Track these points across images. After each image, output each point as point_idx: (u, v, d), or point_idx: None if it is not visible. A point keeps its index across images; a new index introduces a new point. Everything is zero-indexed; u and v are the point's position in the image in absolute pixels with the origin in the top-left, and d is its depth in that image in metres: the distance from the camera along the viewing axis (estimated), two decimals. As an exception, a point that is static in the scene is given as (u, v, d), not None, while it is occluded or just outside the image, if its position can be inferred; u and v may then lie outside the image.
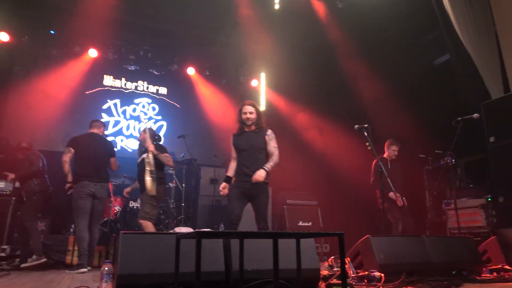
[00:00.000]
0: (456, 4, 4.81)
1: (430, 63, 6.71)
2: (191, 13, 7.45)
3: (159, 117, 8.84)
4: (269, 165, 3.87)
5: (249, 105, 4.11)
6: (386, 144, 5.33)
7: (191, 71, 8.76)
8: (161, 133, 8.77)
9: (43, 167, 5.24)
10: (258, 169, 3.80)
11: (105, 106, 8.36)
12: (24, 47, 7.42)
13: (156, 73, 8.62)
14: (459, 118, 4.36)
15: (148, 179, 4.45)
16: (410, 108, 6.40)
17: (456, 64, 5.10)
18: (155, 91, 8.89)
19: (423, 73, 6.69)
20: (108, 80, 8.44)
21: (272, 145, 4.01)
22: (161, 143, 5.14)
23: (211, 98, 8.89)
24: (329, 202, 6.92)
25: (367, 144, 4.22)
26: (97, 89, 8.30)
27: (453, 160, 4.96)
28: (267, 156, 4.00)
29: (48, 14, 7.23)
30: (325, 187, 7.16)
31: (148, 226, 4.47)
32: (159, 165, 4.72)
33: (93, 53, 7.90)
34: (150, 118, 8.75)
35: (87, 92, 8.13)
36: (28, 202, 5.03)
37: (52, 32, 7.65)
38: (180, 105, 8.97)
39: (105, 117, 8.28)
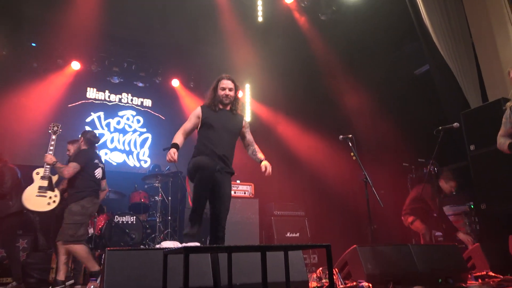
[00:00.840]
0: (433, 17, 4.96)
1: (411, 73, 6.87)
2: (174, 25, 7.46)
3: (144, 130, 8.77)
4: (258, 153, 3.55)
5: (229, 79, 3.57)
6: (443, 178, 5.06)
7: (175, 83, 8.74)
8: (146, 146, 8.70)
9: (18, 183, 4.86)
10: (228, 155, 3.41)
11: (88, 119, 8.24)
12: (4, 60, 7.28)
13: (140, 85, 8.57)
14: (440, 128, 4.47)
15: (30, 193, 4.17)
16: (393, 117, 6.53)
17: (436, 75, 5.23)
18: (139, 103, 8.83)
19: (404, 83, 6.85)
20: (91, 93, 8.34)
21: (250, 134, 3.70)
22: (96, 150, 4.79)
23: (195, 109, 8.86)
24: (316, 212, 6.95)
25: (352, 154, 4.27)
26: (80, 102, 8.18)
27: (435, 169, 5.05)
28: (244, 145, 3.66)
29: (29, 26, 7.13)
30: (312, 197, 7.20)
31: (78, 249, 4.05)
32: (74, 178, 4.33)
33: (76, 65, 7.81)
34: (134, 131, 8.67)
35: (70, 105, 8.01)
36: (3, 224, 4.60)
37: (33, 44, 7.55)
38: (165, 117, 8.92)
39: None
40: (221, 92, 3.52)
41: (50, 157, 4.36)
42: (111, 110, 8.53)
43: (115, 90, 8.55)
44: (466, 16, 5.23)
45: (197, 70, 8.79)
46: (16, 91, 7.30)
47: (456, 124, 4.35)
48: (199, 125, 3.52)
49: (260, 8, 6.34)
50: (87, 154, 4.51)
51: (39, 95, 7.49)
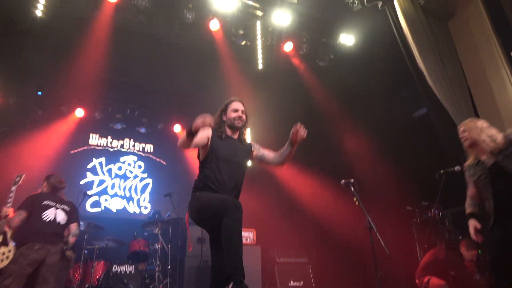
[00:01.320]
0: (428, 62, 5.11)
1: (409, 116, 6.96)
2: (177, 72, 7.67)
3: (145, 175, 8.75)
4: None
5: (240, 102, 3.21)
6: (464, 246, 4.93)
7: (177, 128, 8.85)
8: (147, 191, 8.64)
9: None
10: (238, 192, 3.01)
11: (90, 165, 8.26)
12: (11, 108, 7.42)
13: (142, 130, 8.67)
14: (442, 171, 4.44)
15: None
16: (393, 160, 6.52)
17: (434, 118, 5.30)
18: (141, 149, 8.88)
19: (403, 126, 6.91)
20: (94, 139, 8.43)
21: (265, 149, 3.27)
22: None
23: (195, 154, 8.91)
24: (320, 259, 6.75)
25: (355, 199, 4.21)
26: (82, 148, 8.24)
27: (440, 213, 4.96)
28: (269, 162, 3.19)
29: (36, 75, 7.34)
30: (315, 243, 7.03)
31: None
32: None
33: (79, 112, 7.96)
34: (135, 176, 8.65)
35: (72, 152, 8.06)
36: None
37: (39, 93, 7.74)
38: (167, 162, 8.94)
39: (89, 176, 8.16)
40: (233, 114, 3.12)
41: (4, 210, 4.04)
42: (113, 156, 8.57)
43: (118, 136, 8.64)
44: (460, 61, 5.39)
45: (199, 115, 8.91)
46: (20, 137, 7.38)
47: (457, 168, 4.33)
48: (206, 153, 3.02)
49: (260, 56, 6.55)
50: (32, 198, 4.27)
51: (42, 142, 7.57)
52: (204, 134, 2.96)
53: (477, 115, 5.17)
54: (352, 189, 4.28)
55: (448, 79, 5.11)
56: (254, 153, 3.22)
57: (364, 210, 4.33)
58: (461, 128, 3.36)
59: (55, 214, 4.27)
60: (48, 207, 4.26)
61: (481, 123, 3.30)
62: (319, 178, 7.44)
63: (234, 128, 3.14)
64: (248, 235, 6.13)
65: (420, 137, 6.48)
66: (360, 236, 5.42)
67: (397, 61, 5.73)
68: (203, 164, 3.04)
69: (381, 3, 5.20)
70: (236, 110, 3.14)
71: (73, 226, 4.42)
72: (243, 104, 3.23)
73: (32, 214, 4.13)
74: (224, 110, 3.18)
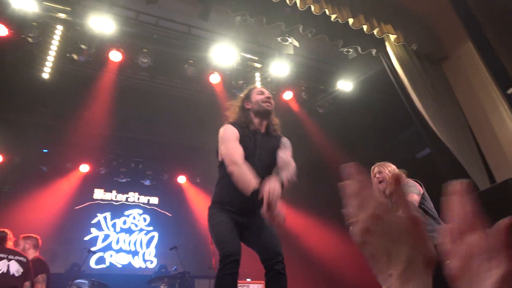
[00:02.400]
0: (426, 104, 5.18)
1: (412, 156, 6.95)
2: (180, 125, 7.81)
3: (151, 228, 8.63)
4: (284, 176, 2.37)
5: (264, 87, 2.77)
6: None
7: (182, 179, 8.85)
8: (152, 245, 8.48)
9: None
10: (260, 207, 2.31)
11: (94, 221, 8.19)
12: (16, 166, 7.51)
13: (147, 183, 8.68)
14: (451, 213, 4.35)
15: None
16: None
17: (438, 158, 5.28)
18: (146, 202, 8.84)
19: (408, 167, 6.86)
20: (98, 194, 8.43)
21: (288, 154, 2.63)
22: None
23: (203, 205, 8.83)
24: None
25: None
26: (87, 204, 8.22)
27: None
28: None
29: (42, 134, 7.49)
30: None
31: None
32: None
33: (84, 168, 8.02)
34: (141, 230, 8.52)
35: (76, 207, 8.03)
36: None
37: (44, 150, 7.86)
38: (172, 214, 8.86)
39: (94, 232, 8.05)
40: (259, 97, 2.62)
41: None
42: (118, 210, 8.51)
43: (122, 189, 8.64)
44: (458, 101, 5.47)
45: (203, 165, 8.96)
46: (25, 195, 7.40)
47: (467, 208, 4.24)
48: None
49: (261, 105, 6.69)
50: None
51: (47, 199, 7.58)
52: (233, 136, 2.48)
53: (480, 153, 5.16)
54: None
55: (448, 120, 5.16)
56: (281, 150, 2.64)
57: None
58: (375, 168, 3.34)
59: (8, 266, 4.00)
60: (0, 259, 3.97)
61: (394, 166, 3.24)
62: (328, 226, 7.29)
63: (262, 115, 2.61)
64: (257, 288, 5.89)
65: (426, 177, 6.40)
66: (376, 284, 5.21)
67: (396, 104, 5.81)
68: (221, 164, 2.56)
69: (375, 50, 5.38)
70: (261, 93, 2.66)
71: (27, 284, 4.11)
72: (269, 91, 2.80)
73: None
74: (247, 98, 2.68)
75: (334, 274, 6.93)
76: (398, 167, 6.89)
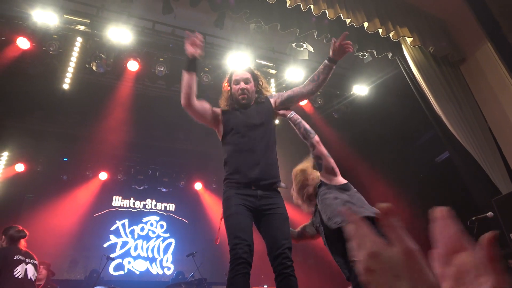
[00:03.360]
0: (445, 107, 5.10)
1: (432, 161, 6.83)
2: (196, 133, 7.87)
3: (167, 235, 8.69)
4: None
5: (244, 70, 2.79)
6: None
7: (198, 186, 8.90)
8: (170, 251, 8.53)
9: None
10: (267, 165, 2.55)
11: (113, 227, 8.30)
12: (38, 175, 7.69)
13: (164, 190, 8.76)
14: (474, 218, 4.25)
15: None
16: (420, 208, 6.30)
17: (458, 162, 5.18)
18: (163, 208, 8.91)
19: (427, 172, 6.76)
20: (117, 201, 8.55)
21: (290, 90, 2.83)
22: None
23: (219, 212, 8.84)
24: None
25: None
26: (105, 211, 8.34)
27: (477, 261, 4.67)
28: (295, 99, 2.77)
29: (63, 143, 7.66)
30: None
31: None
32: None
33: (103, 176, 8.16)
34: (158, 236, 8.60)
35: (95, 215, 8.16)
36: None
37: (65, 159, 8.03)
38: (188, 220, 8.91)
39: (113, 239, 8.16)
40: (234, 88, 2.70)
41: None
42: (136, 216, 8.61)
43: (140, 197, 8.74)
44: (477, 103, 5.37)
45: (219, 172, 8.97)
46: (46, 202, 7.57)
47: (490, 214, 4.14)
48: (221, 128, 2.71)
49: (276, 111, 6.68)
50: (2, 251, 3.87)
51: (67, 207, 7.73)
52: (206, 105, 2.69)
53: (502, 156, 5.04)
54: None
55: (467, 122, 5.06)
56: (278, 101, 2.80)
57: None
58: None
59: (26, 270, 3.93)
60: (19, 262, 3.89)
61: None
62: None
63: (241, 105, 2.72)
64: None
65: (446, 181, 6.30)
66: None
67: (413, 108, 5.74)
68: (223, 141, 2.72)
69: (391, 54, 5.34)
70: (237, 82, 2.70)
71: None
72: (248, 70, 2.79)
73: (3, 271, 3.72)
74: (229, 85, 2.80)
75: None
76: (417, 171, 6.81)
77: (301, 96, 2.88)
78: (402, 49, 5.35)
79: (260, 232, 2.55)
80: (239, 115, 2.68)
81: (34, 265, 4.10)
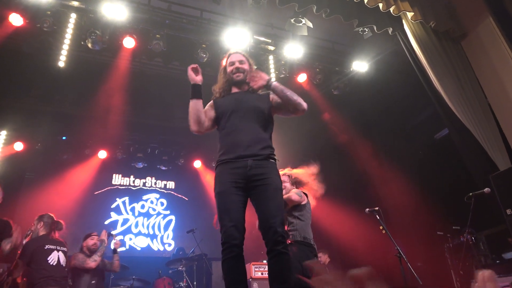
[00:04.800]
0: (445, 83, 5.05)
1: (431, 138, 6.83)
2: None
3: (168, 212, 8.79)
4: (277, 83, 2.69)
5: (238, 53, 2.91)
6: None
7: (197, 164, 8.93)
8: (170, 228, 8.64)
9: None
10: (257, 141, 2.57)
11: (113, 205, 8.38)
12: (37, 154, 7.69)
13: (163, 168, 8.79)
14: (471, 194, 4.29)
15: None
16: (420, 184, 6.35)
17: (457, 139, 5.18)
18: (163, 186, 8.97)
19: (426, 149, 6.77)
20: (117, 179, 8.59)
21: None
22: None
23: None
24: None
25: (381, 227, 4.10)
26: (106, 189, 8.40)
27: (473, 237, 4.75)
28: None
29: (61, 122, 7.62)
30: (341, 273, 6.79)
31: None
32: None
33: (102, 154, 8.16)
34: (158, 214, 8.69)
35: (96, 193, 8.22)
36: None
37: (64, 138, 8.01)
38: (188, 198, 8.99)
39: (114, 216, 8.26)
40: (229, 69, 2.83)
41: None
42: (136, 194, 8.68)
43: (140, 175, 8.78)
44: (478, 79, 5.31)
45: (214, 149, 9.01)
46: (46, 181, 7.59)
47: (487, 190, 4.18)
48: (215, 117, 2.80)
49: (275, 88, 6.61)
50: (30, 245, 4.28)
51: (67, 185, 7.76)
52: (208, 107, 2.85)
53: (501, 133, 5.04)
54: (378, 217, 4.18)
55: (467, 99, 5.03)
56: (274, 99, 2.81)
57: (391, 238, 4.19)
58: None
59: (58, 256, 4.35)
60: (51, 251, 4.33)
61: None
62: (342, 208, 7.29)
63: (237, 84, 2.82)
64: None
65: (445, 158, 6.32)
66: (390, 266, 5.22)
67: (414, 84, 5.69)
68: (218, 128, 2.83)
69: (391, 29, 5.24)
70: (232, 63, 2.83)
71: None
72: (243, 54, 2.90)
73: (37, 261, 4.17)
74: (224, 68, 2.92)
75: (349, 253, 6.96)
76: (416, 148, 6.82)
77: (286, 111, 2.82)
78: (402, 24, 5.25)
79: (252, 204, 2.55)
80: (230, 99, 2.79)
81: (64, 252, 4.48)
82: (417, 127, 6.94)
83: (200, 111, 2.68)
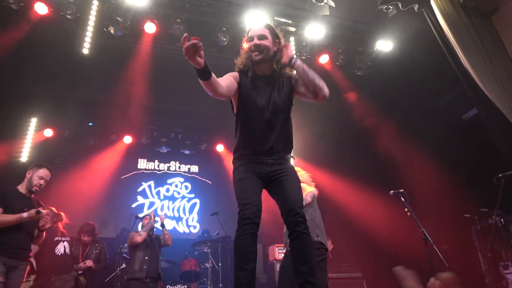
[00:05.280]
0: (474, 61, 4.85)
1: (458, 118, 6.62)
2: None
3: (192, 195, 8.95)
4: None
5: (258, 27, 2.56)
6: None
7: (220, 148, 9.01)
8: (195, 211, 8.82)
9: None
10: (281, 146, 2.50)
11: (139, 189, 8.60)
12: (65, 140, 7.94)
13: (187, 152, 8.91)
14: (500, 175, 4.16)
15: None
16: (446, 166, 6.20)
17: (486, 120, 5.00)
18: (187, 170, 9.12)
19: (453, 130, 6.58)
20: (142, 164, 8.79)
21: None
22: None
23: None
24: (373, 273, 6.49)
25: (406, 209, 4.05)
26: (132, 173, 8.61)
27: (502, 219, 4.63)
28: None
29: (87, 108, 7.81)
30: (367, 257, 6.77)
31: None
32: None
33: (127, 139, 8.34)
34: (183, 197, 8.87)
35: (122, 177, 8.44)
36: None
37: (90, 124, 8.22)
38: (212, 181, 9.11)
39: (140, 199, 8.48)
40: (248, 45, 2.53)
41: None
42: (161, 178, 8.86)
43: (164, 159, 8.95)
44: (509, 57, 5.07)
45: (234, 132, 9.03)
46: (75, 166, 7.85)
47: (517, 171, 4.04)
48: (237, 104, 2.62)
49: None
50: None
51: (95, 169, 8.01)
52: (231, 77, 2.55)
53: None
54: (403, 199, 4.12)
55: (498, 77, 4.81)
56: (295, 80, 2.62)
57: (417, 220, 4.14)
58: None
59: (64, 246, 5.02)
60: (58, 242, 4.99)
61: None
62: (367, 190, 7.22)
63: (257, 63, 2.54)
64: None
65: (473, 139, 6.13)
66: (416, 248, 5.17)
67: (440, 63, 5.51)
68: (236, 118, 2.65)
69: (417, 5, 5.05)
70: (250, 39, 2.52)
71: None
72: (266, 26, 2.56)
73: (46, 250, 4.76)
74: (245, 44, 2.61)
75: (373, 236, 6.93)
76: (443, 129, 6.63)
77: (306, 96, 2.62)
78: (429, 1, 5.04)
79: (272, 196, 2.55)
80: (254, 87, 2.54)
81: (68, 241, 5.13)
82: (444, 108, 6.73)
83: (213, 88, 2.36)
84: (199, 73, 2.25)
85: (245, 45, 2.64)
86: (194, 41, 2.12)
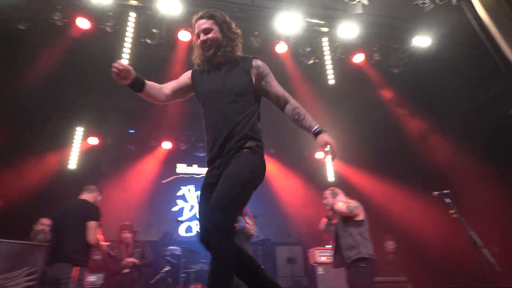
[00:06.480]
0: (521, 53, 4.58)
1: (503, 114, 6.25)
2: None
3: (230, 198, 9.04)
4: (309, 117, 2.26)
5: (201, 17, 2.39)
6: None
7: (256, 150, 9.02)
8: (233, 214, 8.90)
9: None
10: (231, 135, 2.21)
11: (179, 193, 8.82)
12: (109, 147, 8.29)
13: (223, 156, 8.98)
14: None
15: None
16: (493, 164, 5.88)
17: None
18: (224, 173, 9.21)
19: (498, 126, 6.23)
20: (181, 168, 8.99)
21: (276, 83, 2.43)
22: None
23: (278, 175, 8.97)
24: (419, 277, 6.26)
25: (452, 212, 3.88)
26: (172, 178, 8.84)
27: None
28: (274, 104, 2.40)
29: (127, 116, 8.12)
30: (411, 260, 6.55)
31: None
32: None
33: (167, 145, 8.57)
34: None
35: (163, 182, 8.69)
36: None
37: (131, 131, 8.54)
38: (249, 184, 9.15)
39: (180, 203, 8.70)
40: (198, 42, 2.38)
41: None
42: (200, 182, 8.92)
43: (202, 163, 9.09)
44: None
45: (276, 137, 9.04)
46: (119, 172, 8.19)
47: None
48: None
49: (330, 71, 6.44)
50: None
51: (136, 174, 8.31)
52: (182, 77, 2.52)
53: None
54: (449, 201, 3.96)
55: (547, 69, 4.53)
56: (258, 80, 2.41)
57: (464, 223, 3.95)
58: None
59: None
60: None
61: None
62: (409, 191, 6.98)
63: (207, 57, 2.38)
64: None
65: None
66: (464, 252, 4.95)
67: (481, 57, 5.26)
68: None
69: (455, -2, 4.85)
70: (198, 36, 2.37)
71: None
72: (209, 17, 2.38)
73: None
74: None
75: (417, 240, 6.69)
76: (488, 125, 6.30)
77: (277, 106, 2.52)
78: (468, -8, 4.83)
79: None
80: (205, 79, 2.40)
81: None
82: (488, 103, 6.39)
83: (152, 97, 2.44)
84: (131, 87, 2.29)
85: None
86: (115, 70, 2.17)
